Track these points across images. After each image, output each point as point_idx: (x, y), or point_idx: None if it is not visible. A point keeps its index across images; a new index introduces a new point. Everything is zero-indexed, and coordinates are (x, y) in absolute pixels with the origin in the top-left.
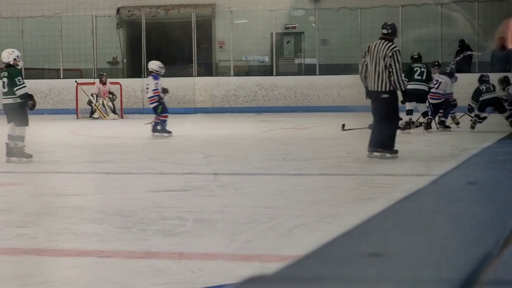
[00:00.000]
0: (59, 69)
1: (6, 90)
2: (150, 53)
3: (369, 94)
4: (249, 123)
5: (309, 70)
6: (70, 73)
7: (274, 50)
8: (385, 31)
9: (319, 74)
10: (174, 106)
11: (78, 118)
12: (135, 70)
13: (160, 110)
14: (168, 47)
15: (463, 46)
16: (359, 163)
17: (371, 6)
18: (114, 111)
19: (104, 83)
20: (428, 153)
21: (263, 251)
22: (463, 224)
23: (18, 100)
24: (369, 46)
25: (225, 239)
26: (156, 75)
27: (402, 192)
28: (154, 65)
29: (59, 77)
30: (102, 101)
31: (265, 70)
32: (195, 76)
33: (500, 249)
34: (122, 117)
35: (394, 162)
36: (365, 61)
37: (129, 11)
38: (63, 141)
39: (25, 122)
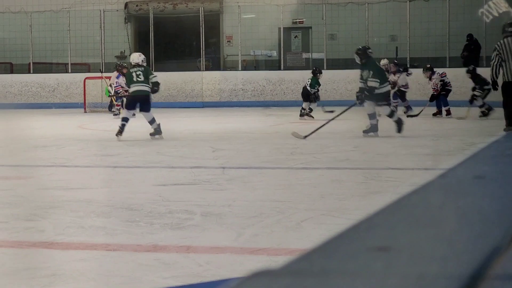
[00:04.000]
0: (67, 64)
1: (142, 79)
2: (158, 48)
3: (506, 85)
4: (257, 117)
5: (317, 65)
6: (78, 68)
7: (281, 45)
8: (511, 29)
9: (327, 69)
10: (181, 100)
11: (85, 112)
12: None
13: None
14: (176, 41)
15: (471, 40)
16: (366, 157)
17: (379, 1)
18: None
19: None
20: (436, 147)
21: (271, 244)
22: (470, 219)
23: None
24: (500, 45)
25: (233, 233)
26: None
27: (409, 186)
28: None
29: (67, 72)
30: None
31: (273, 65)
32: (203, 71)
33: (508, 244)
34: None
35: (401, 156)
36: (499, 58)
37: (137, 5)
38: (70, 135)
39: (149, 108)
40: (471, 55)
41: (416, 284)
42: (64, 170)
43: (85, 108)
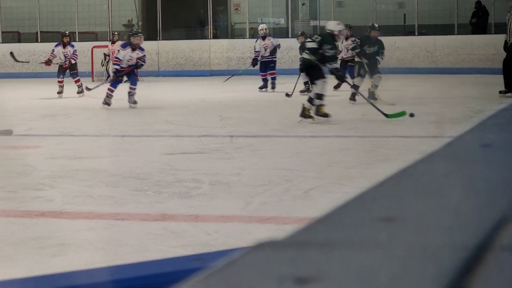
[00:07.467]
0: (75, 32)
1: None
2: (166, 16)
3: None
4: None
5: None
6: (86, 36)
7: (289, 12)
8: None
9: None
10: (189, 69)
11: (93, 81)
12: (151, 32)
13: None
14: (184, 9)
15: (480, 7)
16: (374, 125)
17: None
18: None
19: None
20: (443, 115)
21: (279, 213)
22: (477, 188)
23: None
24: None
25: (241, 201)
26: None
27: (417, 154)
28: None
29: (74, 40)
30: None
31: (281, 33)
32: (210, 39)
33: None
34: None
35: (408, 124)
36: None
37: None
38: (78, 104)
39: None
40: (479, 22)
41: (421, 254)
42: (72, 139)
43: (92, 77)
